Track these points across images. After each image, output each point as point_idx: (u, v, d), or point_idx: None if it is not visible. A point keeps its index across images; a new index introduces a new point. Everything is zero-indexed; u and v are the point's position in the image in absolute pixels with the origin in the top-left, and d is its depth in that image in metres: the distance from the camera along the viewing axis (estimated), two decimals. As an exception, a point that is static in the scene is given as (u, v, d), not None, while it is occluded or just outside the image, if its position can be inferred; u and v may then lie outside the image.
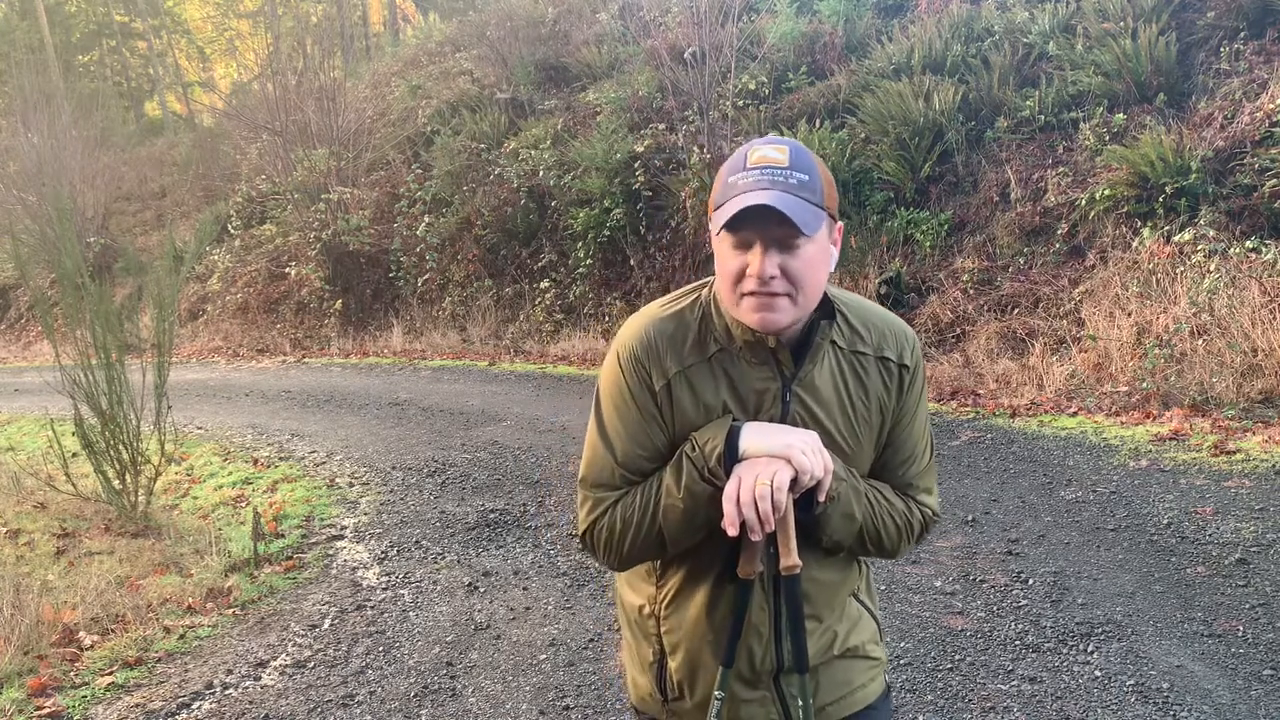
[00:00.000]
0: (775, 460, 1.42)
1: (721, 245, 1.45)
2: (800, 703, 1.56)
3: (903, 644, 3.72)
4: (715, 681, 1.57)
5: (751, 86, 11.58)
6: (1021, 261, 8.61)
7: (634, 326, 1.57)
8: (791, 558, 1.47)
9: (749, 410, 1.52)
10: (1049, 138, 9.13)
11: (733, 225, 1.40)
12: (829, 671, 1.63)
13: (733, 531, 1.43)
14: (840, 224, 1.54)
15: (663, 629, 1.63)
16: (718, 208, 1.45)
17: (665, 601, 1.62)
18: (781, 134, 10.41)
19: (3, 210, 18.23)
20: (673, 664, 1.63)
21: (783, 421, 1.52)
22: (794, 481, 1.43)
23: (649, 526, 1.52)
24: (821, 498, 1.47)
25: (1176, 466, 5.38)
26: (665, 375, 1.52)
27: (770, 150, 1.45)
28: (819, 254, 1.44)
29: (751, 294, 1.42)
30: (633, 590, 1.70)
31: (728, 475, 1.45)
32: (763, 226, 1.40)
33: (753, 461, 1.43)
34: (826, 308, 1.54)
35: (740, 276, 1.43)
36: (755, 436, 1.46)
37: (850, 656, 1.65)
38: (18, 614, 4.21)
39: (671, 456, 1.54)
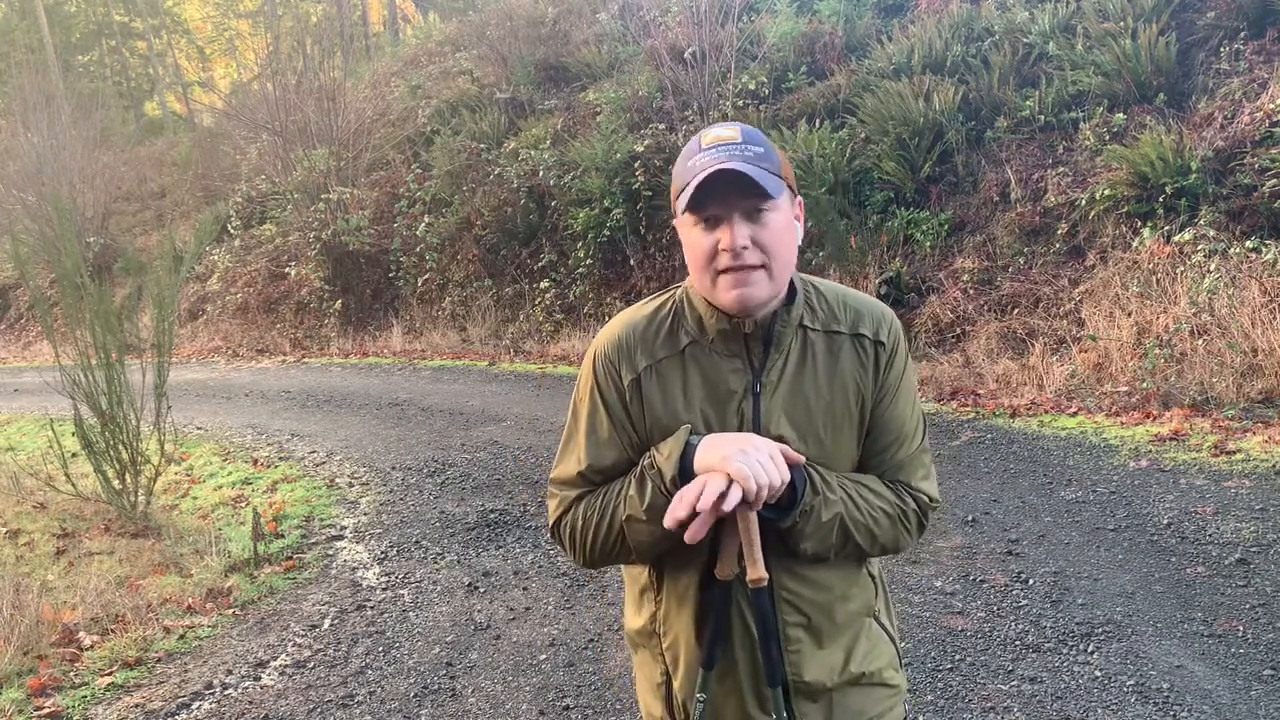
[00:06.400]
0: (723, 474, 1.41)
1: (691, 230, 1.47)
2: (774, 717, 1.53)
3: (903, 644, 3.72)
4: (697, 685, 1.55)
5: (751, 86, 11.58)
6: (1021, 261, 8.61)
7: (609, 328, 1.60)
8: (758, 570, 1.43)
9: (721, 404, 1.51)
10: (1049, 138, 9.12)
11: (698, 199, 1.41)
12: (843, 697, 1.58)
13: (668, 523, 1.41)
14: (800, 199, 1.55)
15: (664, 645, 1.62)
16: (680, 193, 1.46)
17: (663, 617, 1.61)
18: (781, 134, 10.45)
19: (3, 210, 18.22)
20: (676, 682, 1.61)
21: (754, 417, 1.50)
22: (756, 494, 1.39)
23: (609, 528, 1.53)
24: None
25: (1176, 466, 5.38)
26: (635, 370, 1.53)
27: (722, 130, 1.48)
28: (786, 224, 1.46)
29: (727, 270, 1.43)
30: (638, 613, 1.68)
31: None
32: (727, 198, 1.41)
33: (710, 473, 1.43)
34: (791, 293, 1.54)
35: (712, 255, 1.44)
36: (706, 451, 1.44)
37: (867, 683, 1.60)
38: (18, 614, 4.21)
39: (638, 459, 1.53)
